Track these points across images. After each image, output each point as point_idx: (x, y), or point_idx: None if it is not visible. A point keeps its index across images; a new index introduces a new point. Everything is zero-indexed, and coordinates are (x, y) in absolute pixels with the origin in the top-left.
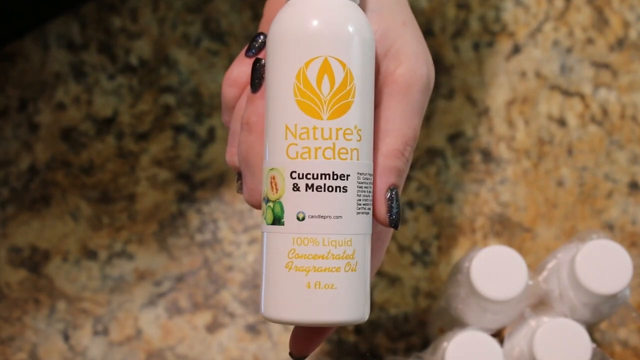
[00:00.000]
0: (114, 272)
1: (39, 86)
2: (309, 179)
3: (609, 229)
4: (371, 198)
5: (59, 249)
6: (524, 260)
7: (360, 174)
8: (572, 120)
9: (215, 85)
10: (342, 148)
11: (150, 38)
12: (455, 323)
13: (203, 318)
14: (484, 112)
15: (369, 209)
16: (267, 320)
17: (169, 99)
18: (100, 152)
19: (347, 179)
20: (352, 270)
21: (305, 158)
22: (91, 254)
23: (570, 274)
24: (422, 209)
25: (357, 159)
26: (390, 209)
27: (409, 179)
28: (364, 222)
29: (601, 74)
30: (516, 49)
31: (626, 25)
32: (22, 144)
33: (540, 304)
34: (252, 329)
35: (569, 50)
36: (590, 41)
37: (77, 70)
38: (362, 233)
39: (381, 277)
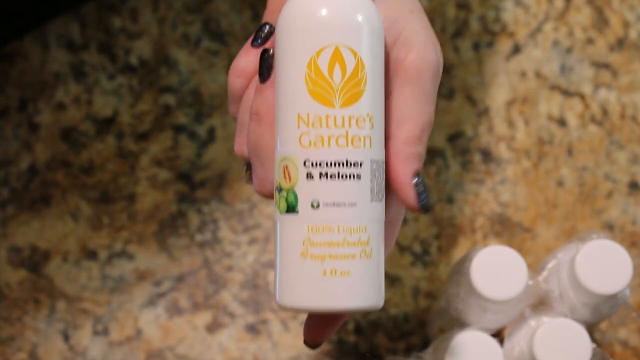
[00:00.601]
0: (114, 272)
1: (39, 86)
2: (323, 167)
3: (609, 229)
4: (384, 185)
5: (59, 249)
6: (524, 260)
7: (374, 161)
8: (572, 120)
9: (215, 85)
10: (355, 136)
11: (150, 38)
12: (455, 323)
13: (203, 318)
14: (484, 112)
15: (382, 195)
16: (282, 308)
17: (169, 99)
18: (100, 152)
19: (360, 167)
20: (367, 257)
21: (319, 146)
22: (91, 254)
23: (570, 274)
24: None
25: (370, 147)
26: (419, 194)
27: None
28: (378, 209)
29: (601, 74)
30: (516, 49)
31: (626, 25)
32: (22, 144)
33: (540, 304)
34: (252, 329)
35: (569, 50)
36: (590, 41)
37: (77, 70)
38: (376, 220)
39: None
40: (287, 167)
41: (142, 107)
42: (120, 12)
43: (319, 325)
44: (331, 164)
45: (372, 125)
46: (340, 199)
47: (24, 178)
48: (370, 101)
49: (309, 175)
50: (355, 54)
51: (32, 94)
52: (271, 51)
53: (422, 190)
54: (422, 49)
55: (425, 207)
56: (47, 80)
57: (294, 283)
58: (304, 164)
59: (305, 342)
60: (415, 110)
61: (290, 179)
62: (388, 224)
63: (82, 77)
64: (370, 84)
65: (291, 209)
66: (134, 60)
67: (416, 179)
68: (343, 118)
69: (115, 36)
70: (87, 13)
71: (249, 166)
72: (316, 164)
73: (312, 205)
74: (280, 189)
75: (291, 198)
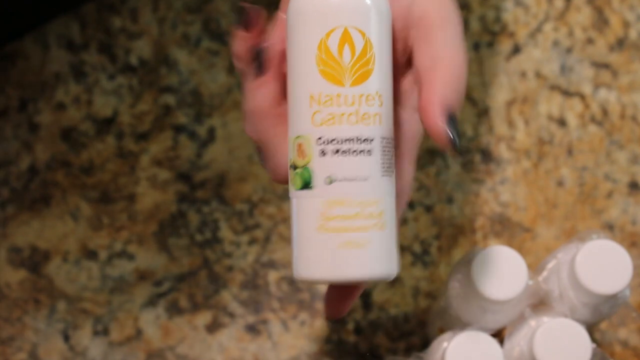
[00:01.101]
0: (114, 272)
1: (39, 86)
2: (336, 143)
3: (609, 229)
4: (393, 161)
5: (59, 249)
6: (524, 260)
7: (383, 137)
8: (572, 120)
9: (215, 85)
10: (365, 113)
11: (150, 38)
12: (455, 323)
13: (203, 318)
14: (484, 112)
15: (392, 171)
16: (301, 281)
17: (169, 99)
18: (100, 152)
19: (371, 143)
20: (380, 229)
21: (331, 124)
22: (91, 254)
23: (570, 274)
24: (422, 209)
25: (380, 124)
26: (451, 134)
27: None
28: (389, 183)
29: (601, 74)
30: (516, 49)
31: (626, 25)
32: (22, 144)
33: (540, 304)
34: (252, 329)
35: (569, 50)
36: (590, 41)
37: (77, 70)
38: (387, 193)
39: None
40: (301, 145)
41: (142, 107)
42: (120, 12)
43: (337, 300)
44: (344, 141)
45: (381, 103)
46: (353, 173)
47: (24, 178)
48: (378, 80)
49: (323, 152)
50: (363, 34)
51: (32, 94)
52: (266, 46)
53: (454, 129)
54: (437, 5)
55: (455, 146)
56: (47, 80)
57: (312, 256)
58: (318, 141)
59: (327, 318)
60: (448, 53)
61: (304, 157)
62: (396, 196)
63: (82, 77)
64: (379, 63)
65: (306, 185)
66: (134, 60)
67: (449, 118)
68: (353, 96)
69: (115, 36)
70: (87, 13)
71: (260, 148)
72: (329, 141)
73: (327, 181)
74: (295, 167)
75: (306, 175)
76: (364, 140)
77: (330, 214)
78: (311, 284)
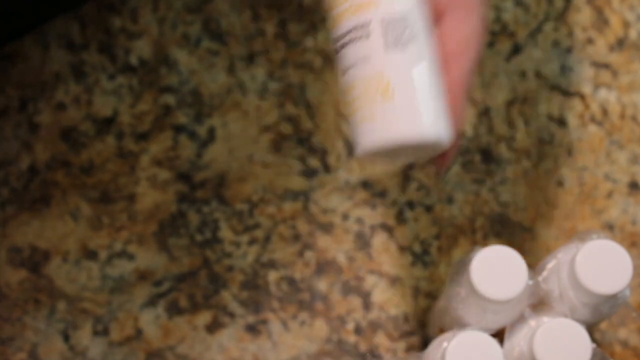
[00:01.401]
0: (114, 272)
1: (39, 86)
2: (339, 40)
3: (609, 229)
4: (409, 32)
5: (59, 249)
6: (524, 260)
7: (386, 13)
8: (572, 120)
9: (215, 85)
10: (358, 4)
11: (150, 38)
12: (455, 323)
13: (203, 318)
14: (484, 112)
15: (406, 40)
16: (359, 158)
17: (169, 99)
18: (100, 152)
19: (368, 27)
20: (389, 100)
21: (335, 25)
22: (91, 254)
23: (570, 274)
24: (422, 209)
25: (376, 7)
26: None
27: (409, 179)
28: (398, 55)
29: (601, 74)
30: (516, 49)
31: (626, 25)
32: (22, 144)
33: (540, 304)
34: (252, 329)
35: (569, 50)
36: (590, 41)
37: (77, 70)
38: (395, 65)
39: (381, 277)
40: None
41: (142, 107)
42: (120, 12)
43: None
44: (344, 35)
45: None
46: (355, 58)
47: (24, 178)
48: None
49: (336, 51)
50: None
51: (32, 94)
52: None
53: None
54: None
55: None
56: (47, 80)
57: (354, 137)
58: (333, 43)
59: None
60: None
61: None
62: (454, 49)
63: (82, 77)
64: None
65: None
66: (134, 60)
67: None
68: None
69: (115, 36)
70: (87, 13)
71: None
72: (336, 40)
73: (342, 73)
74: None
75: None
76: (361, 26)
77: (347, 99)
78: (363, 160)
